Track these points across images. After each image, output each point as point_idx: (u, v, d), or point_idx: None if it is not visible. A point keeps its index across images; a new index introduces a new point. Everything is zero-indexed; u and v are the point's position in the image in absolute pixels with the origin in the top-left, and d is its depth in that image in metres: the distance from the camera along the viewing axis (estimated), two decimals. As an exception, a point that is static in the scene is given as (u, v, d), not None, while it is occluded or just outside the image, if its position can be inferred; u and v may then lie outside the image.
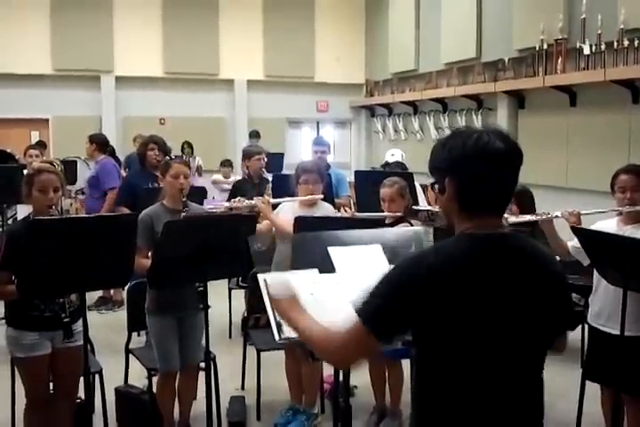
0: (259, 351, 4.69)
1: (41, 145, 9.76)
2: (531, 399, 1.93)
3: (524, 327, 1.85)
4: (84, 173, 9.31)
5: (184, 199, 4.16)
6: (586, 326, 4.08)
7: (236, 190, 6.15)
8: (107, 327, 6.08)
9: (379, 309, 1.82)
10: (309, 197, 4.57)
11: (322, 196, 4.66)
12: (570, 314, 2.02)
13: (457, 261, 1.81)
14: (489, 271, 1.82)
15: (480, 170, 1.83)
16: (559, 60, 8.23)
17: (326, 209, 4.65)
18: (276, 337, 2.59)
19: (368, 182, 5.74)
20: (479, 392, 1.84)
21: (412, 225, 4.38)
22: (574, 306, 1.94)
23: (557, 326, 1.98)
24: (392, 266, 1.91)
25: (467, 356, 1.82)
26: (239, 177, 9.96)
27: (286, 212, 4.60)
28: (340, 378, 3.06)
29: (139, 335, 5.20)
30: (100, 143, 7.47)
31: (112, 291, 7.14)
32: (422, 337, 1.86)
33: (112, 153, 7.91)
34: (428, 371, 1.90)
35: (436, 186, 1.92)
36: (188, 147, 11.51)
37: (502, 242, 1.89)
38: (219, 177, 10.55)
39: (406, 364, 4.27)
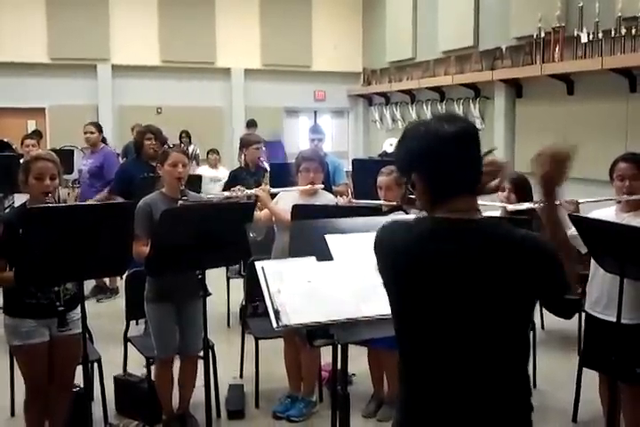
0: (257, 340, 4.70)
1: (37, 134, 9.70)
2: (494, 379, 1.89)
3: (467, 307, 1.86)
4: (79, 163, 9.25)
5: (182, 188, 4.15)
6: (583, 315, 4.09)
7: (234, 179, 6.13)
8: (105, 316, 6.08)
9: None
10: (309, 186, 4.55)
11: (322, 185, 4.64)
12: (550, 282, 1.90)
13: (397, 236, 1.95)
14: (429, 251, 1.88)
15: (439, 158, 1.88)
16: (557, 49, 8.20)
17: (327, 198, 4.62)
18: (274, 325, 2.60)
19: (366, 171, 5.73)
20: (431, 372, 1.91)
21: (407, 213, 4.37)
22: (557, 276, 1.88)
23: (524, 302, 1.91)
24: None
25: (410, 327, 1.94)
26: (225, 168, 9.85)
27: (286, 201, 4.58)
28: (339, 366, 3.07)
29: (137, 324, 5.21)
30: (101, 132, 7.45)
31: (107, 279, 7.11)
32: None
33: (104, 142, 7.85)
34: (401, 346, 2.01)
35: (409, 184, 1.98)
36: (186, 136, 11.55)
37: (455, 225, 1.89)
38: (204, 170, 10.04)
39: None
